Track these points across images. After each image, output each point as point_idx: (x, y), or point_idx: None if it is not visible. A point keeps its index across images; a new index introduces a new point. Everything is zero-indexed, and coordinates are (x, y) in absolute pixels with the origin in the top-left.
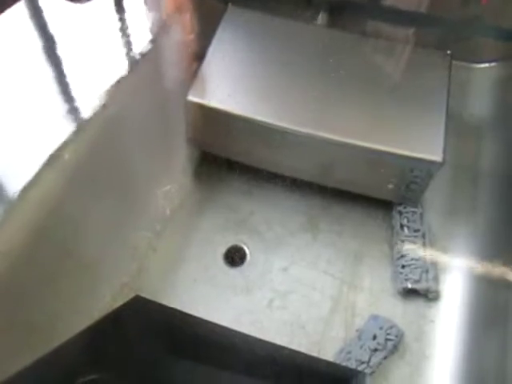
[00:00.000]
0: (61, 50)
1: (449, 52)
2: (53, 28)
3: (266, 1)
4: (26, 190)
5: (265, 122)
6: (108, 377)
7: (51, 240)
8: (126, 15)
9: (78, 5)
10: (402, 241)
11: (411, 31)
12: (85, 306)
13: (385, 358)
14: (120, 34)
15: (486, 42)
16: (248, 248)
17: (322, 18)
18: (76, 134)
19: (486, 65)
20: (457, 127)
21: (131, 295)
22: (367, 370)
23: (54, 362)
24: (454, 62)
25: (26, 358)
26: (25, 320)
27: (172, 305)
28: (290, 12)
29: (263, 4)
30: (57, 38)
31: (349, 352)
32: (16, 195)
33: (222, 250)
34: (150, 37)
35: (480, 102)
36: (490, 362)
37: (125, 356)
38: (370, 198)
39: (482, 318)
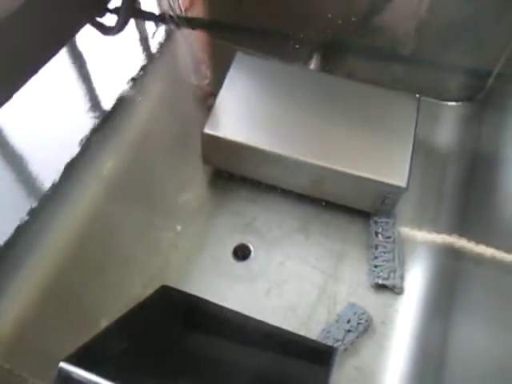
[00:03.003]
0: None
1: (417, 95)
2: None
3: (263, 43)
4: (75, 202)
5: (267, 150)
6: (129, 343)
7: (95, 241)
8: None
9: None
10: (376, 245)
11: (389, 72)
12: (122, 293)
13: (357, 337)
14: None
15: (456, 83)
16: (252, 246)
17: (315, 62)
18: (111, 155)
19: (454, 103)
20: (425, 154)
21: (159, 285)
22: (342, 347)
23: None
24: (427, 99)
25: (77, 335)
26: (76, 304)
27: (190, 291)
28: (286, 54)
29: (261, 45)
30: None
31: (328, 332)
32: (67, 207)
33: (231, 247)
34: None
35: (447, 135)
36: (436, 339)
37: (154, 332)
38: (352, 209)
39: (435, 307)
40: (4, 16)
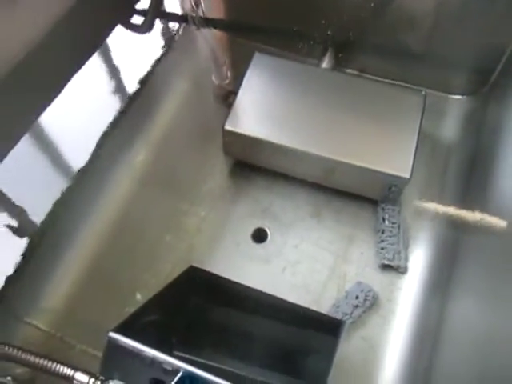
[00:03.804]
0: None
1: (423, 92)
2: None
3: (279, 41)
4: (110, 192)
5: (283, 145)
6: (164, 316)
7: (129, 227)
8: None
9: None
10: (383, 230)
11: (399, 67)
12: (154, 271)
13: (364, 312)
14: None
15: (462, 78)
16: (269, 230)
17: (328, 58)
18: (141, 148)
19: (459, 97)
20: (431, 144)
21: (186, 265)
22: (350, 320)
23: (141, 313)
24: (434, 92)
25: (117, 307)
26: (115, 281)
27: (214, 271)
28: (302, 50)
29: (277, 42)
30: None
31: (338, 307)
32: (104, 197)
33: (250, 231)
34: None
35: (451, 127)
36: (435, 314)
37: (183, 307)
38: (361, 197)
39: (436, 285)
40: (50, 28)
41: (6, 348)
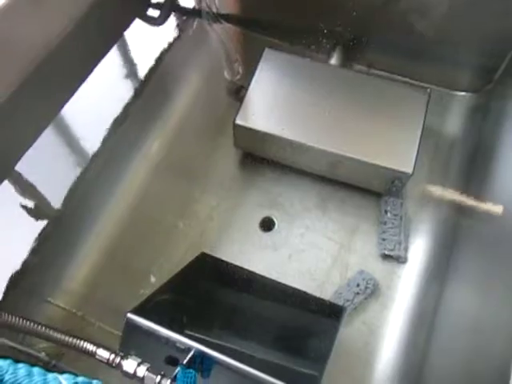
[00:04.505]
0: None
1: (428, 90)
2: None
3: (291, 37)
4: (127, 180)
5: (291, 140)
6: (177, 299)
7: (144, 213)
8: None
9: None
10: (385, 221)
11: (406, 63)
12: (167, 256)
13: (365, 299)
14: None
15: (466, 75)
16: (276, 219)
17: (337, 54)
18: (156, 139)
19: (464, 93)
20: (434, 140)
21: (197, 251)
22: (351, 306)
23: (157, 296)
24: (439, 89)
25: (131, 289)
26: (130, 265)
27: (223, 257)
28: (312, 45)
29: (289, 38)
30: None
31: (340, 293)
32: (120, 184)
33: (258, 220)
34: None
35: (455, 122)
36: (432, 301)
37: (195, 290)
38: (365, 189)
39: (433, 274)
40: (75, 22)
41: (36, 325)
